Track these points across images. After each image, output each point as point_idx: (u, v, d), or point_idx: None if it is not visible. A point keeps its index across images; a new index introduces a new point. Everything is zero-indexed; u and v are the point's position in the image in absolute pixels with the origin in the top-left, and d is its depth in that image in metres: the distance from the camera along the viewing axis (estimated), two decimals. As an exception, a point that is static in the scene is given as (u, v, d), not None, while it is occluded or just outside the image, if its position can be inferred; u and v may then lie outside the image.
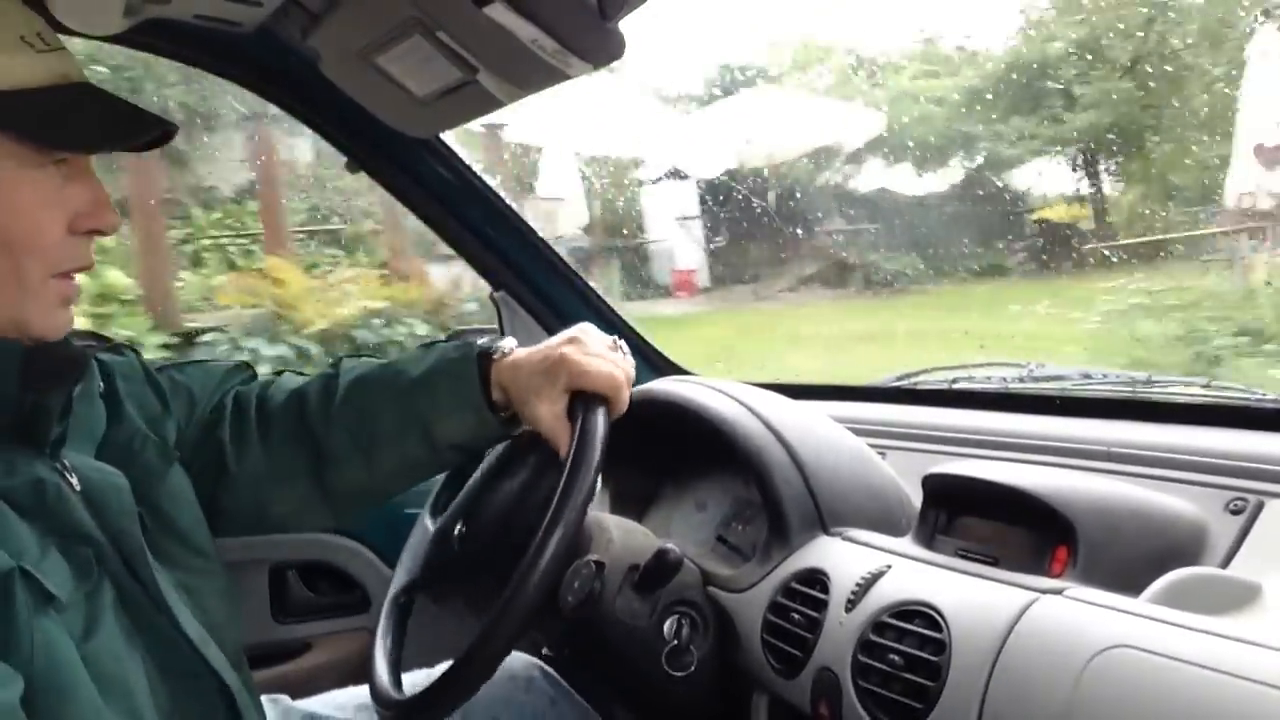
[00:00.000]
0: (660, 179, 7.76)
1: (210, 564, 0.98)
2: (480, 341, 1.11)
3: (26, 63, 0.81)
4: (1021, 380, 1.46)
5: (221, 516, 1.07)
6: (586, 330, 1.11)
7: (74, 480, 0.85)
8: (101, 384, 0.97)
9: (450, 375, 1.09)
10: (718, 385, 1.33)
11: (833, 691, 0.95)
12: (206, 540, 1.00)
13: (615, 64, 1.17)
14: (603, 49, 1.14)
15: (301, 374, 1.18)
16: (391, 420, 1.09)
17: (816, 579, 1.05)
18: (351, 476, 1.11)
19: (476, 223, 1.68)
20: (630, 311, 1.84)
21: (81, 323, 1.13)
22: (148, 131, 0.87)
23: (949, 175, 6.84)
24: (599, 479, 1.03)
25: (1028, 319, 4.58)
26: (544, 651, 1.25)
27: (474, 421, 1.09)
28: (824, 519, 1.14)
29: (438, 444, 1.10)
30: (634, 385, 1.20)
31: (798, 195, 7.19)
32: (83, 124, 0.84)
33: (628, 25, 1.11)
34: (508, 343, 1.11)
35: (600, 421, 1.03)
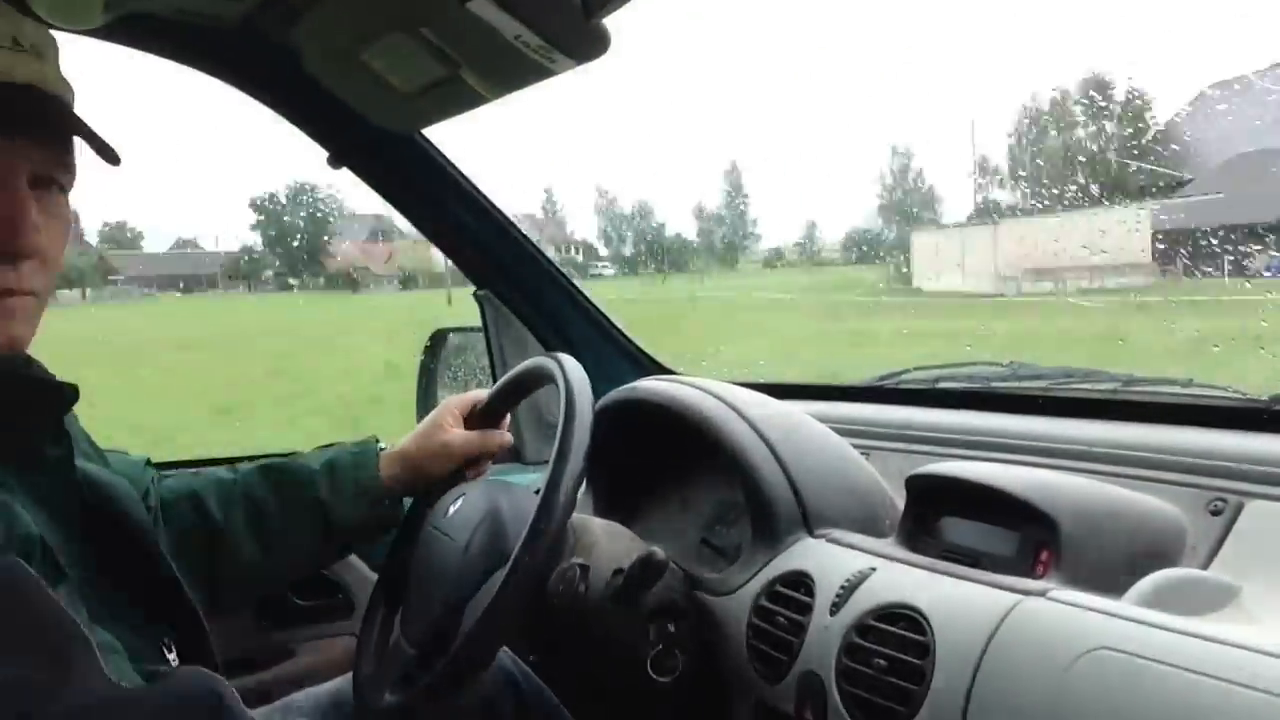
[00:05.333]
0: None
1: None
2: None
3: None
4: (1004, 380, 1.46)
5: None
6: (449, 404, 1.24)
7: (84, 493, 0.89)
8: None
9: (352, 465, 1.18)
10: (702, 384, 1.33)
11: (817, 695, 0.95)
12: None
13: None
14: (586, 46, 1.13)
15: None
16: (292, 505, 1.16)
17: (801, 581, 1.05)
18: (245, 560, 1.14)
19: (460, 219, 1.67)
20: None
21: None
22: (62, 125, 0.85)
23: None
24: (583, 481, 1.03)
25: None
26: (530, 658, 1.24)
27: (369, 507, 1.17)
28: (808, 520, 1.14)
29: (333, 530, 1.16)
30: (617, 384, 1.20)
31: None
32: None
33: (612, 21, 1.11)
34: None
35: (583, 422, 1.03)
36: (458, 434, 1.21)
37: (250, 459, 1.24)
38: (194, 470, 1.21)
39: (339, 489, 1.16)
